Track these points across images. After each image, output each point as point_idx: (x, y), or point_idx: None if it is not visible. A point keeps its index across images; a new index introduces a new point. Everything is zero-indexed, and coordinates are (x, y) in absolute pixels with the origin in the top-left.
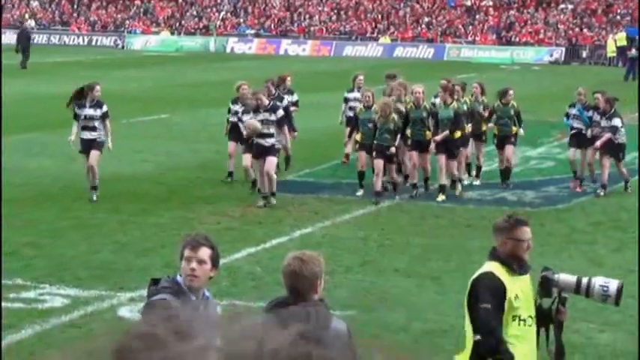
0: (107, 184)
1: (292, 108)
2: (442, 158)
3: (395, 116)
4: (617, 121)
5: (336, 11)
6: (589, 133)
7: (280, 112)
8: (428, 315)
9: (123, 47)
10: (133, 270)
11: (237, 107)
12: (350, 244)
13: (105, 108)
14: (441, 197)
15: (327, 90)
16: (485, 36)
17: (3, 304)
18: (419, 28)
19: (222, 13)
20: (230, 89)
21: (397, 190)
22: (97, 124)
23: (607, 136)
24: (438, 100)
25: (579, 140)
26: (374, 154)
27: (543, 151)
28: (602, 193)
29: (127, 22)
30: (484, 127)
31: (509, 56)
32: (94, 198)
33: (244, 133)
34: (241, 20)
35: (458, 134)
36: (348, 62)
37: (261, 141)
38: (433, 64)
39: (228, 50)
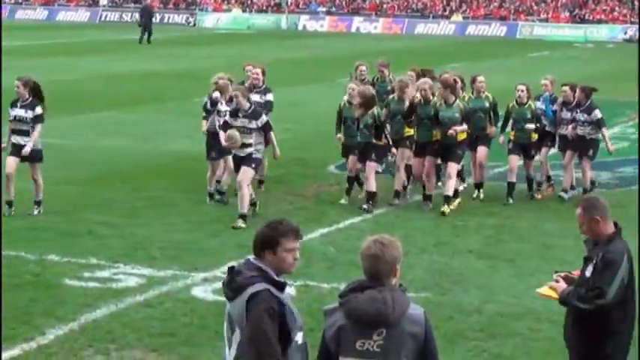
0: (180, 162)
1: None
2: (449, 165)
3: (375, 110)
4: (598, 113)
5: None
6: (566, 130)
7: (263, 119)
8: (502, 297)
9: (194, 25)
10: (207, 250)
11: (224, 107)
12: (423, 225)
13: (38, 110)
14: (446, 209)
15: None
16: (557, 14)
17: (78, 283)
18: (491, 6)
19: None
20: (302, 68)
21: (400, 196)
22: (28, 127)
23: (604, 133)
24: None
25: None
26: (355, 153)
27: (617, 131)
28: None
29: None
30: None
31: (582, 34)
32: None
33: (222, 142)
34: None
35: (464, 135)
36: (420, 40)
37: (238, 151)
38: (506, 41)
39: (300, 28)
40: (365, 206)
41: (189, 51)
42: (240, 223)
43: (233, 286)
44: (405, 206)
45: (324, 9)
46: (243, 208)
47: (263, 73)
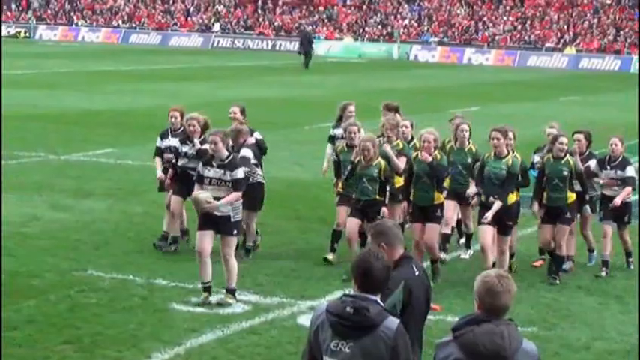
0: (288, 189)
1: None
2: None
3: (381, 161)
4: (630, 170)
5: (520, 20)
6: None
7: (240, 173)
8: (611, 334)
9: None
10: (314, 278)
11: (186, 148)
12: (531, 260)
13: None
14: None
15: (513, 100)
16: None
17: (185, 307)
18: (605, 39)
19: (406, 21)
20: (413, 98)
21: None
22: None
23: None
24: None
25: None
26: (352, 212)
27: None
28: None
29: (311, 27)
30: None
31: None
32: None
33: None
34: (425, 28)
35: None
36: (532, 72)
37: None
38: (619, 75)
39: (411, 58)
40: None
41: (300, 79)
42: (229, 298)
43: (365, 324)
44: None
45: (436, 39)
46: (230, 282)
47: (242, 112)
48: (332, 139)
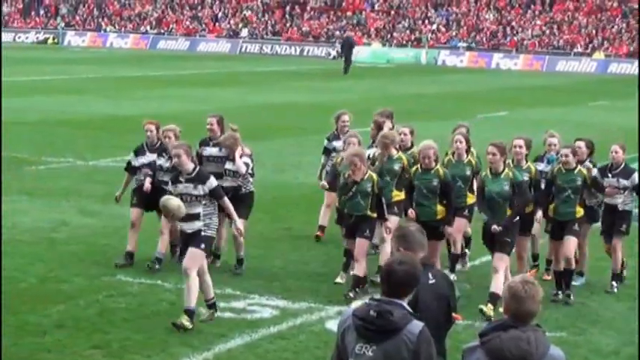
0: (316, 195)
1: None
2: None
3: (372, 174)
4: (637, 177)
5: (549, 25)
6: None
7: (213, 182)
8: None
9: (334, 58)
10: (342, 283)
11: (161, 160)
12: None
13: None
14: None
15: (542, 105)
16: None
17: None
18: (634, 44)
19: (434, 26)
20: (442, 103)
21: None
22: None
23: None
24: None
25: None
26: (343, 230)
27: None
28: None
29: (339, 32)
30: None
31: None
32: None
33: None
34: (453, 33)
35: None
36: (561, 77)
37: (184, 225)
38: None
39: (439, 63)
40: (351, 294)
41: (328, 84)
42: (185, 320)
43: (388, 327)
44: (541, 244)
45: (464, 44)
46: (189, 302)
47: (219, 122)
48: (326, 152)
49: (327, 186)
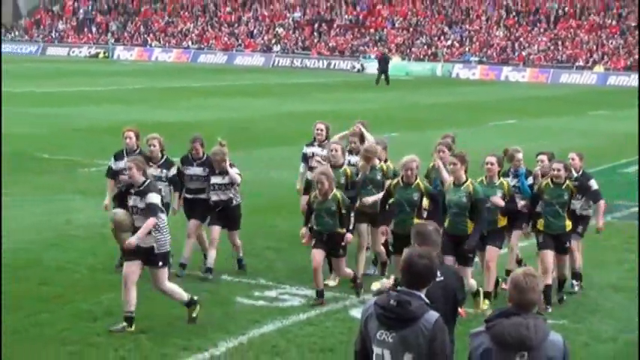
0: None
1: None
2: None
3: (337, 193)
4: (594, 184)
5: (553, 41)
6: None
7: (153, 197)
8: (637, 327)
9: (359, 71)
10: (364, 276)
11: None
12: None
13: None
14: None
15: (547, 114)
16: None
17: (248, 301)
18: (631, 59)
19: (449, 42)
20: (456, 112)
21: (385, 267)
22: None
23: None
24: (446, 175)
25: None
26: (316, 243)
27: None
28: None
29: (362, 47)
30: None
31: None
32: None
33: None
34: (466, 49)
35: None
36: (565, 89)
37: (141, 241)
38: None
39: (453, 75)
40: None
41: (353, 95)
42: (192, 313)
43: (406, 316)
44: None
45: (476, 59)
46: (181, 300)
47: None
48: (305, 158)
49: (302, 191)
